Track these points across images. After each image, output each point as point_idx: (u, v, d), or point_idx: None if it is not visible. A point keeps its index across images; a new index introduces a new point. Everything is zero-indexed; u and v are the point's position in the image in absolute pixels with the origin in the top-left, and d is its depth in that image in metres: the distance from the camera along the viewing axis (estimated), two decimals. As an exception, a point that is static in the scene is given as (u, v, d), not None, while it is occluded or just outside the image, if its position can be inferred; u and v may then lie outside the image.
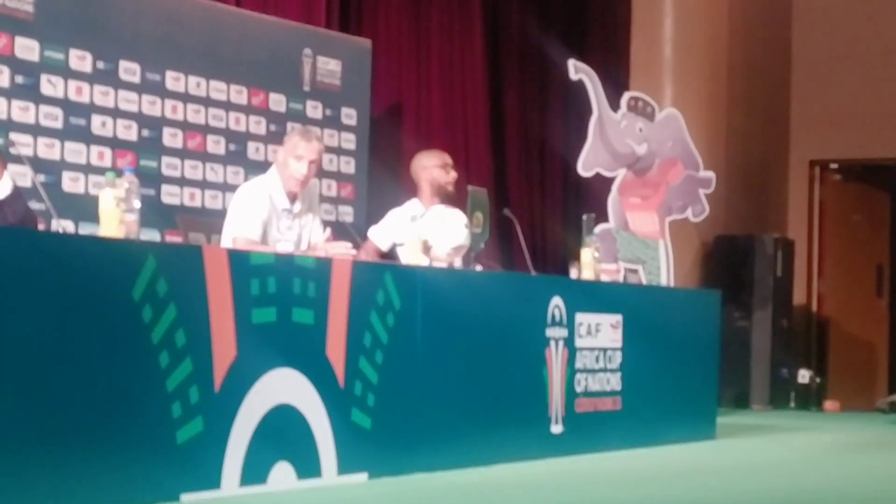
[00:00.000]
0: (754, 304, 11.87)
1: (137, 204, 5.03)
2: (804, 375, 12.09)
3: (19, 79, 7.23)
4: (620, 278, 9.62)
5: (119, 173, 5.11)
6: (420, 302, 6.11)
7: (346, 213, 9.14)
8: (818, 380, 12.30)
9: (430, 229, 6.65)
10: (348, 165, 9.25)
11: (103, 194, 4.98)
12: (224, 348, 5.09)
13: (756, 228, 12.26)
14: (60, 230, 5.39)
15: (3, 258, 4.34)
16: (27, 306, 4.41)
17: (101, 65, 7.65)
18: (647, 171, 10.32)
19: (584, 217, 7.97)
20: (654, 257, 10.26)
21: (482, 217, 6.91)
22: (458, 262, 6.83)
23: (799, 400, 12.06)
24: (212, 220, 7.69)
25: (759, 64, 12.90)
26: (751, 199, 12.56)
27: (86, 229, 7.01)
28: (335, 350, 5.62)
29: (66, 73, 7.47)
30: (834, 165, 13.56)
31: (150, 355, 4.80)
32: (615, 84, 10.93)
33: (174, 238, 7.79)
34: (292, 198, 6.77)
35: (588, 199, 10.60)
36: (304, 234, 6.80)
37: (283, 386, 5.38)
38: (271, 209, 6.66)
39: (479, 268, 7.02)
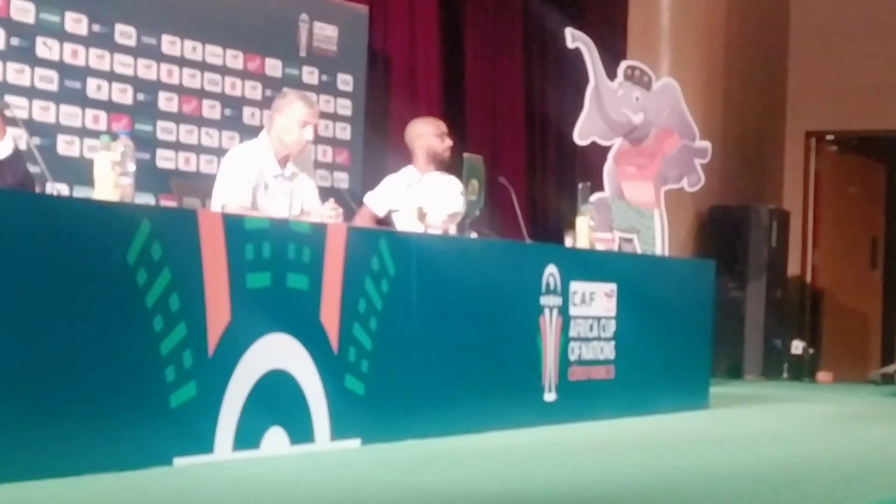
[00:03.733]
0: (748, 274, 11.88)
1: (132, 167, 5.02)
2: (797, 346, 12.12)
3: (14, 41, 7.21)
4: (615, 247, 9.64)
5: (114, 136, 5.10)
6: (414, 268, 6.11)
7: (342, 180, 9.13)
8: (811, 351, 12.33)
9: (426, 196, 6.65)
10: (344, 131, 9.23)
11: (98, 158, 4.96)
12: (218, 313, 5.09)
13: (751, 199, 12.26)
14: (55, 193, 5.37)
15: (1, 220, 4.34)
16: (22, 269, 4.41)
17: (96, 28, 7.62)
18: (643, 140, 10.31)
19: (580, 186, 7.97)
20: (650, 227, 10.25)
21: (477, 184, 6.90)
22: (453, 230, 6.83)
23: (792, 371, 12.08)
24: (206, 185, 7.64)
25: (756, 34, 12.87)
26: (746, 169, 12.55)
27: (80, 192, 6.98)
28: (329, 316, 5.62)
29: (62, 35, 7.44)
30: (830, 137, 13.57)
31: (144, 319, 4.79)
32: (612, 53, 10.91)
33: (169, 202, 7.79)
34: (283, 163, 6.75)
35: (584, 167, 10.60)
36: (295, 199, 6.79)
37: (277, 351, 5.37)
38: (260, 175, 6.65)
39: (473, 235, 7.02)
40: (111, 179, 4.94)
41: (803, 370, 12.17)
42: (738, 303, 11.82)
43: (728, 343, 11.50)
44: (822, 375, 12.12)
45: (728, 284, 11.67)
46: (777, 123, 13.31)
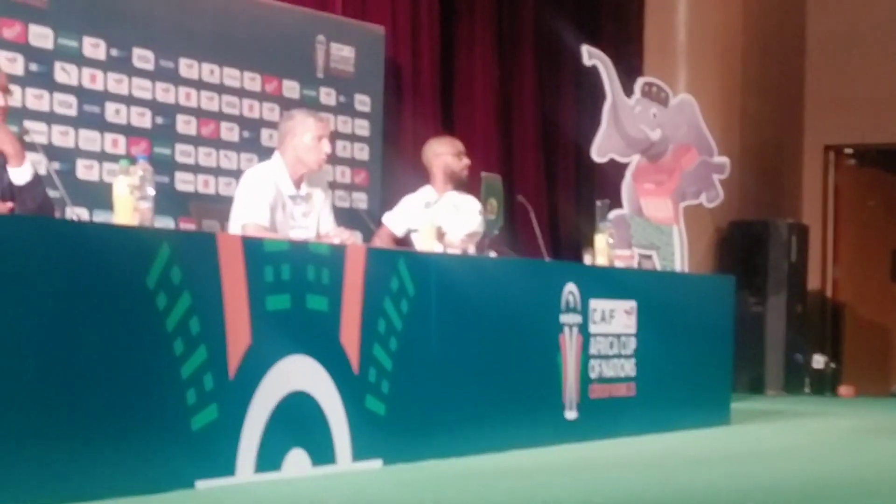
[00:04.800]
0: (769, 289, 11.86)
1: (151, 191, 5.03)
2: (819, 361, 12.09)
3: (33, 67, 7.26)
4: (635, 264, 9.64)
5: (133, 161, 5.12)
6: (434, 288, 6.11)
7: (361, 200, 9.15)
8: (833, 365, 12.30)
9: (444, 216, 6.66)
10: (362, 152, 9.25)
11: (117, 182, 4.98)
12: (238, 335, 5.09)
13: (770, 214, 12.24)
14: (75, 218, 5.39)
15: (20, 245, 4.35)
16: (44, 293, 4.42)
17: (114, 52, 7.67)
18: (661, 156, 10.30)
19: (598, 203, 7.97)
20: (669, 243, 10.25)
21: (496, 204, 6.91)
22: (471, 249, 6.83)
23: (814, 385, 12.06)
24: (225, 207, 7.67)
25: (773, 48, 12.87)
26: (765, 184, 12.53)
27: (100, 216, 7.03)
28: (349, 337, 5.62)
29: (80, 60, 7.49)
30: (849, 150, 13.54)
31: (164, 343, 4.80)
32: (629, 69, 10.92)
33: (188, 225, 7.81)
34: (298, 183, 6.77)
35: (602, 184, 10.60)
36: (311, 220, 6.78)
37: (298, 373, 5.38)
38: (277, 195, 6.67)
39: (492, 254, 7.02)
40: (130, 203, 4.96)
41: (825, 384, 12.15)
42: (759, 318, 11.80)
43: (749, 358, 11.47)
44: (843, 389, 12.09)
45: (749, 299, 11.65)
46: (795, 137, 13.29)
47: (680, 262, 10.28)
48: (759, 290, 11.81)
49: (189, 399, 4.89)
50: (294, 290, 5.36)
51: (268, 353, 5.24)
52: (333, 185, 8.76)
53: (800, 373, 11.97)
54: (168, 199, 7.70)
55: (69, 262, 4.51)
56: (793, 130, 13.25)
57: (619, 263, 8.14)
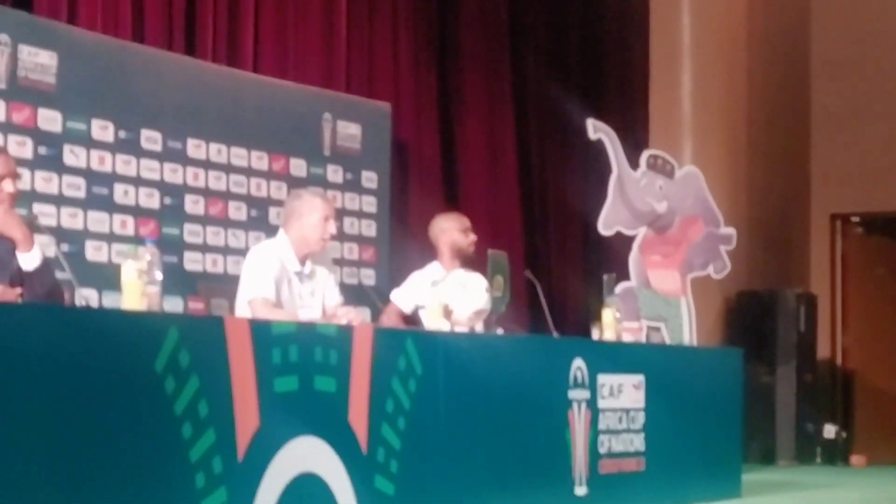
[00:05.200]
0: (778, 359, 11.86)
1: (159, 276, 5.06)
2: (829, 430, 12.08)
3: (42, 150, 7.31)
4: (643, 336, 9.64)
5: (141, 243, 5.15)
6: (442, 367, 6.12)
7: (368, 277, 9.18)
8: (844, 434, 12.26)
9: (451, 294, 6.68)
10: (370, 228, 9.29)
11: (125, 266, 5.01)
12: (247, 418, 5.10)
13: (778, 283, 12.26)
14: (83, 302, 5.42)
15: (29, 333, 4.36)
16: (53, 379, 4.43)
17: (122, 134, 7.73)
18: (668, 228, 10.34)
19: (605, 277, 7.99)
20: (677, 315, 10.27)
21: (503, 280, 6.94)
22: (479, 326, 6.85)
23: (825, 455, 12.03)
24: (233, 286, 7.73)
25: (778, 118, 12.95)
26: (772, 253, 12.57)
27: (109, 298, 7.06)
28: (357, 417, 5.63)
29: (89, 143, 7.55)
30: (855, 218, 13.55)
31: (173, 426, 4.80)
32: (635, 141, 10.99)
33: (197, 304, 7.84)
34: (303, 261, 6.81)
35: (610, 257, 10.63)
36: (316, 299, 6.83)
37: (306, 454, 5.37)
38: (282, 271, 6.70)
39: (500, 331, 7.04)
40: (138, 288, 4.99)
41: (837, 454, 12.12)
42: (769, 388, 11.79)
43: (760, 428, 11.47)
44: (855, 459, 12.06)
45: (758, 369, 11.66)
46: (802, 207, 13.33)
47: (688, 333, 10.29)
48: (769, 360, 11.81)
49: (198, 483, 4.88)
50: (302, 371, 5.37)
51: (276, 435, 5.24)
52: (341, 262, 8.81)
53: (811, 442, 11.94)
54: (177, 279, 7.77)
55: (78, 349, 4.52)
56: (799, 200, 13.29)
57: (627, 335, 8.15)
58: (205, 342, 4.98)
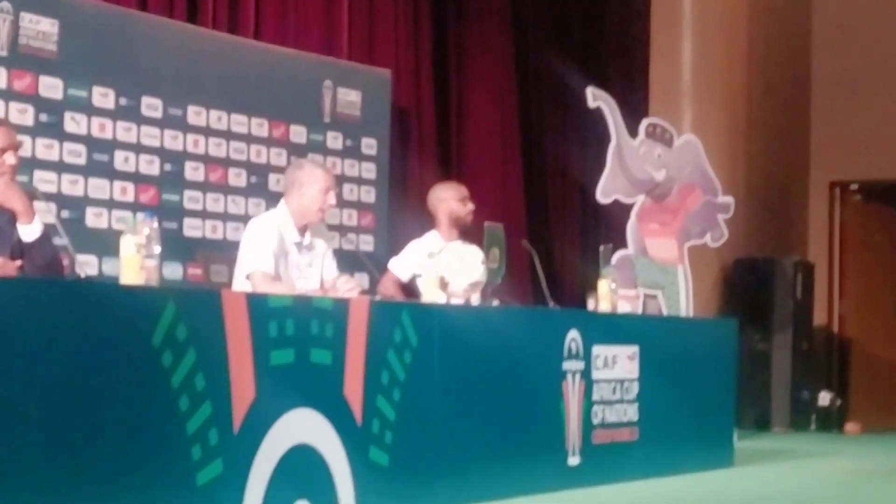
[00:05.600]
0: (774, 326, 11.92)
1: (157, 249, 5.11)
2: (825, 397, 12.15)
3: (43, 117, 7.36)
4: (640, 304, 9.71)
5: (141, 210, 5.19)
6: (437, 339, 6.19)
7: (367, 243, 9.24)
8: (839, 402, 12.34)
9: (447, 266, 6.74)
10: (368, 195, 9.34)
11: (124, 240, 5.06)
12: (243, 390, 5.17)
13: (776, 251, 12.31)
14: (83, 271, 5.47)
15: (28, 307, 4.43)
16: (52, 352, 4.49)
17: (123, 101, 7.77)
18: (666, 197, 10.38)
19: (601, 248, 8.04)
20: (674, 283, 10.32)
21: (499, 253, 6.99)
22: (475, 298, 6.91)
23: (820, 422, 12.11)
24: (232, 253, 7.79)
25: (778, 86, 12.96)
26: (771, 221, 12.61)
27: (109, 264, 7.13)
28: (353, 389, 5.70)
29: (90, 110, 7.60)
30: (854, 186, 13.60)
31: (170, 399, 4.86)
32: (635, 109, 11.01)
33: (196, 270, 7.90)
34: (303, 231, 6.85)
35: (608, 226, 10.68)
36: (314, 270, 6.88)
37: (302, 426, 5.44)
38: (281, 243, 6.75)
39: (496, 303, 7.10)
40: (137, 262, 5.03)
41: (831, 421, 12.20)
42: (765, 355, 11.85)
43: (755, 395, 11.54)
44: (850, 426, 12.14)
45: (754, 337, 11.72)
46: (801, 175, 13.37)
47: (685, 301, 10.35)
48: (765, 328, 11.87)
49: (195, 455, 4.95)
50: (298, 344, 5.43)
51: (272, 408, 5.31)
52: (340, 229, 8.86)
53: (806, 409, 12.02)
54: (176, 245, 7.83)
55: (77, 323, 4.58)
56: (798, 168, 13.33)
57: (623, 304, 8.21)
58: (202, 316, 5.04)
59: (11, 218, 5.42)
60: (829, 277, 13.34)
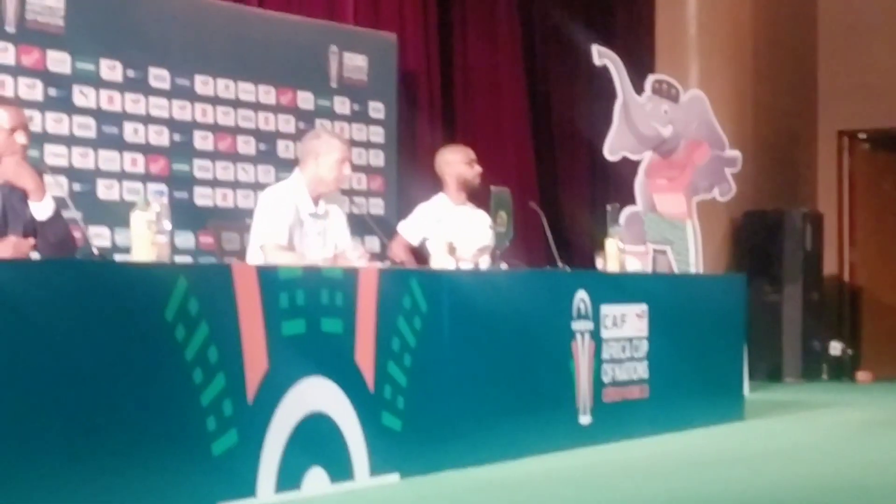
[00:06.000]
0: (784, 278, 11.98)
1: (168, 226, 5.20)
2: (836, 347, 12.23)
3: (52, 91, 7.43)
4: (649, 260, 9.79)
5: (151, 180, 5.24)
6: (446, 304, 6.27)
7: (377, 206, 9.31)
8: (850, 351, 12.42)
9: (455, 232, 6.81)
10: (377, 158, 9.40)
11: (134, 217, 5.15)
12: (256, 361, 5.26)
13: (786, 202, 12.35)
14: (95, 248, 5.55)
15: (44, 286, 4.54)
16: (68, 330, 4.59)
17: (131, 73, 7.84)
18: (673, 152, 10.43)
19: (608, 207, 8.10)
20: (683, 238, 10.39)
21: (506, 216, 7.05)
22: (483, 262, 6.98)
23: (831, 371, 12.19)
24: (243, 221, 7.89)
25: (784, 37, 12.95)
26: (779, 173, 12.63)
27: (121, 235, 7.20)
28: (364, 356, 5.79)
29: (98, 83, 7.66)
30: (862, 135, 13.61)
31: (184, 372, 4.97)
32: (641, 64, 11.04)
33: (207, 238, 7.97)
34: (317, 200, 6.92)
35: (617, 184, 10.73)
36: (329, 238, 6.96)
37: (315, 394, 5.55)
38: (295, 213, 6.82)
39: (504, 266, 7.17)
40: (148, 239, 5.13)
41: (843, 370, 12.27)
42: (776, 306, 11.92)
43: (767, 347, 11.62)
44: (861, 375, 12.22)
45: (764, 288, 11.79)
46: (809, 125, 13.38)
47: (694, 255, 10.41)
48: (775, 279, 11.93)
49: (210, 425, 5.06)
50: (309, 314, 5.52)
51: (285, 377, 5.41)
52: (350, 192, 8.90)
53: (817, 359, 12.09)
54: (188, 214, 7.91)
55: (91, 300, 4.69)
56: (806, 118, 13.34)
57: (633, 261, 8.27)
58: (213, 290, 5.14)
59: (23, 196, 5.49)
60: (839, 227, 13.37)
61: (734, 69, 11.94)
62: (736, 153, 10.79)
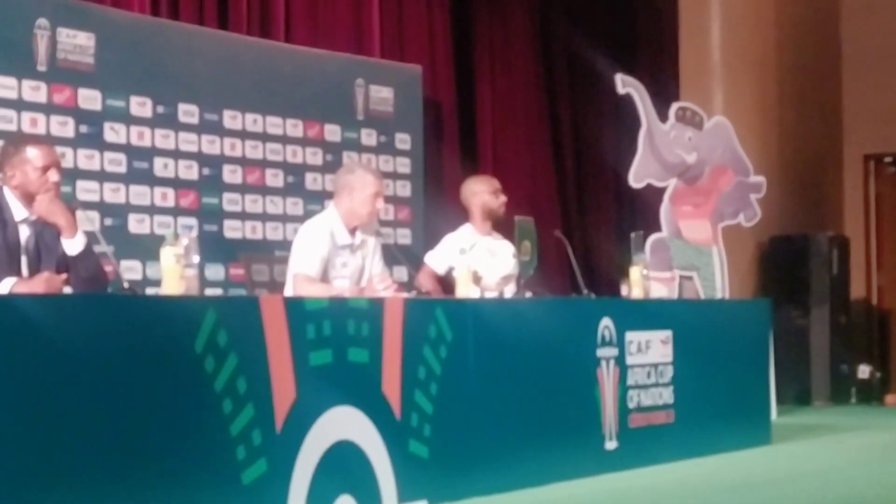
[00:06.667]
0: (812, 302, 12.01)
1: (196, 259, 5.31)
2: (864, 370, 12.24)
3: (83, 128, 7.57)
4: (675, 286, 9.86)
5: (181, 214, 5.35)
6: (471, 332, 6.36)
7: (404, 236, 9.42)
8: (878, 374, 12.43)
9: (479, 261, 6.91)
10: (404, 189, 9.51)
11: (164, 252, 5.26)
12: (284, 391, 5.36)
13: (812, 227, 12.38)
14: (126, 282, 5.67)
15: (76, 320, 4.64)
16: (100, 363, 4.69)
17: (160, 109, 7.97)
18: (698, 179, 10.51)
19: (632, 235, 8.18)
20: (709, 263, 10.46)
21: (530, 245, 7.15)
22: (508, 291, 7.07)
23: (860, 395, 12.20)
24: (272, 254, 8.02)
25: (809, 62, 13.01)
26: (806, 197, 12.68)
27: (153, 268, 7.32)
28: (391, 385, 5.88)
29: (128, 119, 7.80)
30: (888, 158, 13.64)
31: (213, 403, 5.06)
32: (665, 91, 11.14)
33: (237, 271, 8.09)
34: (353, 233, 7.06)
35: (642, 211, 10.81)
36: (366, 265, 7.09)
37: (342, 423, 5.63)
38: (332, 245, 6.95)
39: (528, 294, 7.26)
40: (177, 272, 5.24)
41: (872, 394, 12.29)
42: (804, 330, 11.95)
43: (795, 371, 11.64)
44: (891, 398, 12.22)
45: (792, 313, 11.82)
46: (834, 149, 13.43)
47: (721, 281, 10.48)
48: (803, 304, 11.96)
49: (239, 455, 5.15)
50: (336, 344, 5.62)
51: (312, 407, 5.50)
52: (378, 222, 9.02)
53: (846, 383, 12.11)
54: (218, 247, 8.04)
55: (122, 334, 4.78)
56: (831, 142, 13.38)
57: (659, 287, 8.35)
58: (241, 322, 5.24)
59: (56, 233, 5.62)
60: (866, 250, 13.40)
61: (759, 95, 12.01)
62: (761, 179, 10.86)
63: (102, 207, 7.58)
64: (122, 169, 7.75)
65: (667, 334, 7.77)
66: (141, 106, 7.87)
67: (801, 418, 10.65)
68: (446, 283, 7.95)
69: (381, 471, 5.81)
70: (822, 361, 11.98)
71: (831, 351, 12.00)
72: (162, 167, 7.97)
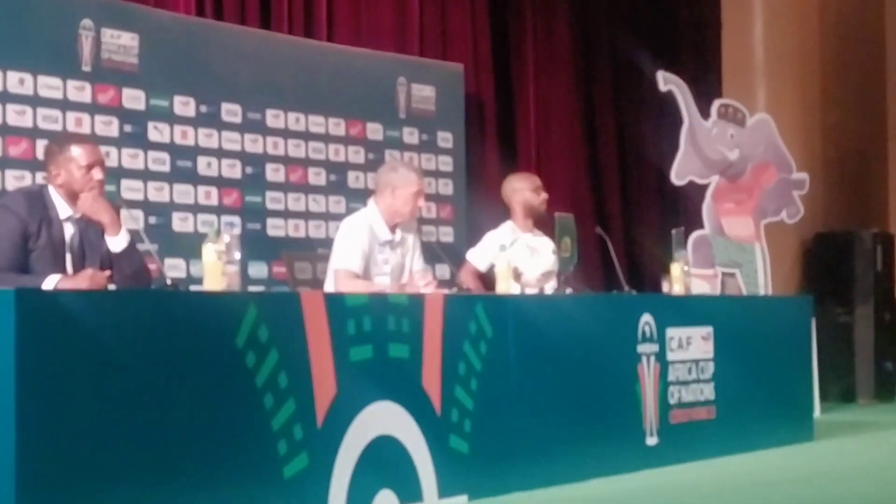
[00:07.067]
0: (856, 299, 11.97)
1: (237, 256, 5.37)
2: (908, 368, 12.20)
3: (127, 128, 7.65)
4: (718, 283, 9.86)
5: (224, 212, 5.39)
6: (511, 329, 6.40)
7: (446, 234, 9.46)
8: (923, 371, 12.38)
9: (519, 258, 6.94)
10: (446, 187, 9.55)
11: (205, 249, 5.32)
12: (325, 386, 5.41)
13: (856, 224, 12.34)
14: (169, 280, 5.73)
15: (119, 316, 4.72)
16: (143, 358, 4.76)
17: (203, 108, 8.04)
18: (740, 176, 10.51)
19: (673, 232, 8.19)
20: (751, 260, 10.45)
21: (570, 242, 7.18)
22: (549, 287, 7.10)
23: (905, 392, 12.16)
24: (314, 251, 8.07)
25: (851, 58, 12.97)
26: (850, 194, 12.65)
27: (196, 266, 7.38)
28: (431, 381, 5.93)
29: (171, 118, 7.87)
30: (933, 154, 13.60)
31: (255, 398, 5.13)
32: (708, 88, 11.13)
33: (280, 268, 8.15)
34: (394, 229, 7.10)
35: (685, 208, 10.80)
36: (406, 262, 7.14)
37: (383, 418, 5.69)
38: (373, 241, 7.00)
39: (569, 291, 7.29)
40: (219, 269, 5.30)
41: (917, 391, 12.24)
42: (848, 328, 11.92)
43: (839, 368, 11.60)
44: (935, 395, 12.18)
45: (836, 310, 11.80)
46: (878, 145, 13.38)
47: (763, 278, 10.47)
48: (847, 301, 11.93)
49: (281, 449, 5.21)
50: (376, 340, 5.67)
51: (353, 402, 5.55)
52: (420, 220, 9.06)
53: (890, 380, 12.07)
54: (261, 245, 8.11)
55: (165, 329, 4.86)
56: (875, 139, 13.34)
57: (701, 283, 8.35)
58: (282, 317, 5.30)
59: (100, 230, 5.69)
60: (912, 246, 13.33)
61: (802, 91, 11.99)
62: (803, 175, 10.85)
63: (146, 206, 7.66)
64: (166, 168, 7.82)
65: (708, 330, 7.78)
66: (184, 105, 7.94)
67: (845, 415, 10.63)
68: (488, 280, 7.97)
69: (421, 466, 5.86)
70: (866, 359, 11.94)
71: (875, 348, 11.96)
72: (205, 166, 8.04)
